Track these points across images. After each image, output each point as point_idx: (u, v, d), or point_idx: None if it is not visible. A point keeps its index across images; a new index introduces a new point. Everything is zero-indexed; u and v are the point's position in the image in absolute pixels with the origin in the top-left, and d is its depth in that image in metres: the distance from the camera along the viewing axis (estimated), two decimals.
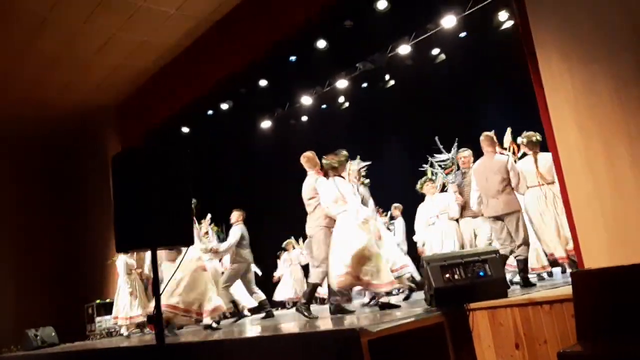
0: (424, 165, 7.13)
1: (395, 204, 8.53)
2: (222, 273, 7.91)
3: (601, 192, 4.68)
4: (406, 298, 6.61)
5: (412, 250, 7.68)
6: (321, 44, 7.76)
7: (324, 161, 5.74)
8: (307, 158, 5.98)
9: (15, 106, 10.37)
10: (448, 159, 6.70)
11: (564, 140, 4.99)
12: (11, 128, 11.07)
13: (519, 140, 6.35)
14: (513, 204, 5.52)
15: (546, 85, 5.09)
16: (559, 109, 5.00)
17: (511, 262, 5.80)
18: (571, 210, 4.90)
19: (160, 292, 3.07)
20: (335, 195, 5.48)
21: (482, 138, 5.86)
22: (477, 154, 6.34)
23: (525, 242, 5.45)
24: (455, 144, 6.67)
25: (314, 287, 5.68)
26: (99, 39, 8.62)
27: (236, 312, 8.07)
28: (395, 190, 8.59)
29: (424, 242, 7.13)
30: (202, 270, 6.64)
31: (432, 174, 7.11)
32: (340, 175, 5.66)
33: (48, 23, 8.03)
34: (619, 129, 4.60)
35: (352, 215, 5.36)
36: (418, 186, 7.25)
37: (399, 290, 8.70)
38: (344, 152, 5.80)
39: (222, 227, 8.58)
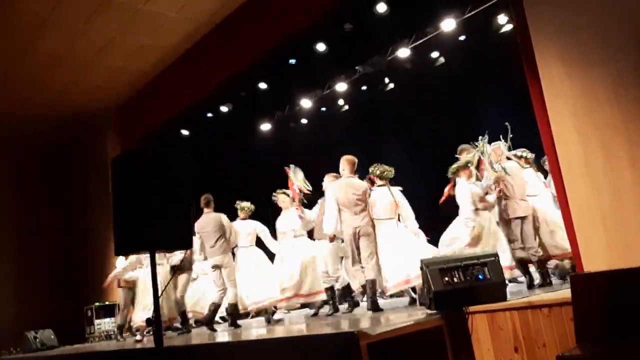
0: (480, 139, 6.09)
1: None
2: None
3: (600, 197, 4.69)
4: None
5: None
6: (321, 47, 7.76)
7: (379, 172, 6.27)
8: (354, 162, 6.30)
9: (15, 106, 10.37)
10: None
11: (563, 145, 5.00)
12: (11, 128, 11.08)
13: (528, 155, 6.67)
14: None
15: (545, 89, 5.10)
16: (559, 113, 5.01)
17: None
18: (570, 214, 4.91)
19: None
20: (390, 202, 6.04)
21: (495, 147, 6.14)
22: None
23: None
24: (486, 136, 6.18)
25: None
26: (100, 41, 8.63)
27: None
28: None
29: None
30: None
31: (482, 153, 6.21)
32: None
33: (48, 24, 8.04)
34: (618, 133, 4.61)
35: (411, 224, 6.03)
36: (453, 168, 6.32)
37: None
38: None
39: None
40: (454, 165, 6.33)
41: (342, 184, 6.16)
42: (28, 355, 8.51)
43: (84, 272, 11.49)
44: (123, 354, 5.79)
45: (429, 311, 4.05)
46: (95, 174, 11.17)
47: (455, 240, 6.03)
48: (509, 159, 6.14)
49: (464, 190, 6.09)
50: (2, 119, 10.69)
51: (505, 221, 5.86)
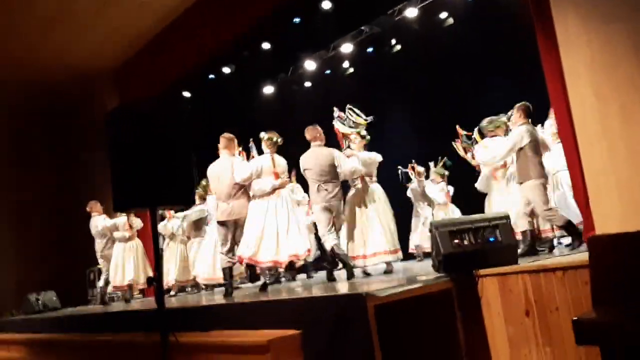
0: None
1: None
2: None
3: (616, 161, 4.54)
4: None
5: None
6: (326, 5, 7.56)
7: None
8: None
9: (12, 68, 10.14)
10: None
11: (579, 105, 4.82)
12: (9, 90, 10.87)
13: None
14: None
15: (562, 45, 4.89)
16: (575, 71, 4.82)
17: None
18: (584, 176, 4.76)
19: None
20: None
21: None
22: None
23: None
24: None
25: None
26: (97, 0, 8.36)
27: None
28: (397, 156, 8.39)
29: None
30: None
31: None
32: None
33: None
34: (637, 92, 4.43)
35: None
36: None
37: None
38: None
39: None
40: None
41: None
42: (29, 317, 8.51)
43: (87, 234, 11.40)
44: (124, 315, 5.74)
45: (438, 274, 3.94)
46: (95, 135, 11.00)
47: None
48: None
49: None
50: (0, 80, 10.48)
51: None
